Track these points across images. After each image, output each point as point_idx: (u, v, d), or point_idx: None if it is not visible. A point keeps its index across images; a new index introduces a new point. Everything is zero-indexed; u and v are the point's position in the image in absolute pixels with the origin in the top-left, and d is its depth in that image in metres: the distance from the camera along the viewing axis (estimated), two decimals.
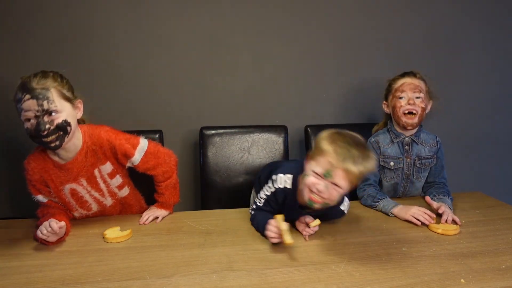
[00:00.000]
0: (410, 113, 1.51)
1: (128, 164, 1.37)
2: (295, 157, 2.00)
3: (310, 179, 1.14)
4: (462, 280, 1.00)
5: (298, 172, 1.24)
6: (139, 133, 1.65)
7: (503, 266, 1.07)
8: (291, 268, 1.06)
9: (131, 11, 1.76)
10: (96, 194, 1.34)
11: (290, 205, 1.28)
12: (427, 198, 1.46)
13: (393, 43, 2.00)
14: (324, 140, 1.15)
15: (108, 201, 1.39)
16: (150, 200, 1.48)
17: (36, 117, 1.13)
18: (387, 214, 1.42)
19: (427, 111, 1.55)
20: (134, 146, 1.33)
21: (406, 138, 1.57)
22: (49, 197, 1.31)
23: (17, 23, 1.69)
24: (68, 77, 1.83)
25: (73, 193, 1.31)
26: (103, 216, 1.41)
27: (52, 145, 1.16)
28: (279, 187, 1.27)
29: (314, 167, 1.14)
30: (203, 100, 1.89)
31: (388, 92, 1.60)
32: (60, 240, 1.20)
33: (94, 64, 1.78)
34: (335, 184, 1.12)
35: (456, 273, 1.03)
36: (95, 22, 1.75)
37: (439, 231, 1.27)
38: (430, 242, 1.21)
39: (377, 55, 1.99)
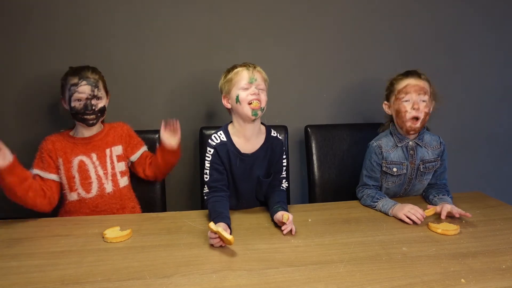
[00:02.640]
0: (415, 118, 1.44)
1: (132, 158, 1.58)
2: (295, 158, 2.00)
3: (242, 94, 1.35)
4: (462, 280, 1.00)
5: (226, 125, 1.45)
6: (139, 133, 1.67)
7: (504, 266, 1.07)
8: (291, 268, 1.05)
9: (130, 11, 1.76)
10: (101, 172, 1.48)
11: (235, 158, 1.39)
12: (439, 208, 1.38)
13: (393, 43, 2.00)
14: (230, 72, 1.40)
15: (109, 187, 1.48)
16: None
17: (87, 99, 1.43)
18: (387, 214, 1.42)
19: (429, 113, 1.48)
20: (142, 143, 1.63)
21: (410, 142, 1.51)
22: (46, 173, 1.43)
23: (12, 22, 1.69)
24: None
25: (81, 165, 1.45)
26: (101, 213, 1.46)
27: (91, 122, 1.46)
28: (216, 143, 1.39)
29: (238, 86, 1.36)
30: (203, 100, 1.89)
31: (390, 92, 1.53)
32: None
33: (92, 64, 1.77)
34: (260, 88, 1.37)
35: (456, 273, 1.03)
36: (93, 22, 1.74)
37: (439, 231, 1.27)
38: (430, 242, 1.21)
39: (377, 55, 1.99)
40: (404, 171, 1.52)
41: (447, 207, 1.35)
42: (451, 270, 1.05)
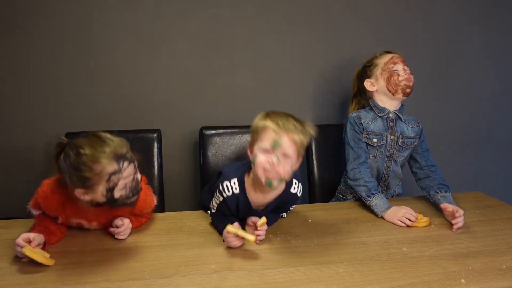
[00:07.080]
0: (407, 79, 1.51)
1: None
2: None
3: (260, 158, 1.14)
4: (462, 280, 1.00)
5: (243, 172, 1.25)
6: (138, 132, 1.66)
7: (504, 266, 1.07)
8: (291, 268, 1.06)
9: (131, 10, 1.76)
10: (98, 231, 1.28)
11: (244, 209, 1.25)
12: (443, 205, 1.36)
13: (393, 43, 1.98)
14: (261, 120, 1.17)
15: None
16: None
17: (133, 180, 1.10)
18: (376, 215, 1.39)
19: None
20: (154, 201, 1.34)
21: (391, 114, 1.55)
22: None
23: (16, 23, 1.69)
24: (68, 77, 1.84)
25: (79, 224, 1.25)
26: None
27: (135, 203, 1.15)
28: (228, 195, 1.22)
29: (260, 144, 1.15)
30: (203, 100, 1.89)
31: (373, 68, 1.57)
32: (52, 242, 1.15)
33: (93, 63, 1.78)
34: (285, 155, 1.13)
35: (457, 273, 1.03)
36: (94, 21, 1.74)
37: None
38: (431, 242, 1.21)
39: None
40: (384, 141, 1.54)
41: (460, 215, 1.30)
42: (451, 270, 1.05)
